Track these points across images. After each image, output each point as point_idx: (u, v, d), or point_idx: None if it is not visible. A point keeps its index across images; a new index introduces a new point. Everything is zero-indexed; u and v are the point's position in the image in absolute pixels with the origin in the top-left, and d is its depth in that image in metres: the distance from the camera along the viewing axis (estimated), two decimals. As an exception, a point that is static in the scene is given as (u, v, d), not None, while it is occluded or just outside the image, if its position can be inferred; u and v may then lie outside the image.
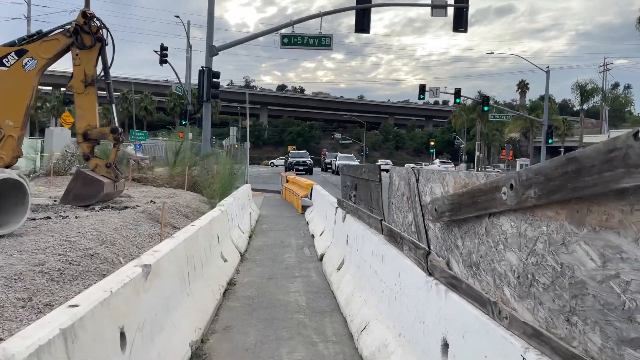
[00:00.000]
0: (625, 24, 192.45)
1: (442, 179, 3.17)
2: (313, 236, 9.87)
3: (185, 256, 4.91)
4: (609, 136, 67.40)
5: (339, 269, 6.37)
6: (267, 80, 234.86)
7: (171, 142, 19.47)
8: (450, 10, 20.86)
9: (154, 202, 11.07)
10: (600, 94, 58.73)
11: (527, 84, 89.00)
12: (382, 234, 4.75)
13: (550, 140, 43.10)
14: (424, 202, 3.52)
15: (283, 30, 20.99)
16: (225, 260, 6.86)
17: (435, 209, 3.09)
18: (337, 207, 7.91)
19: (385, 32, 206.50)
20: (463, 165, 73.74)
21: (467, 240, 2.72)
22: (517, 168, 64.34)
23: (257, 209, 14.01)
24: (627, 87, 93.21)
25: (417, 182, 3.69)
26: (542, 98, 55.21)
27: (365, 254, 5.10)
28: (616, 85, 77.29)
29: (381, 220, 4.78)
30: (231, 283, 6.39)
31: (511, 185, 2.12)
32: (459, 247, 2.85)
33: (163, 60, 30.49)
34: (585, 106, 60.96)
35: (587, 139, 63.93)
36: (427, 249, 3.29)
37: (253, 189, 18.11)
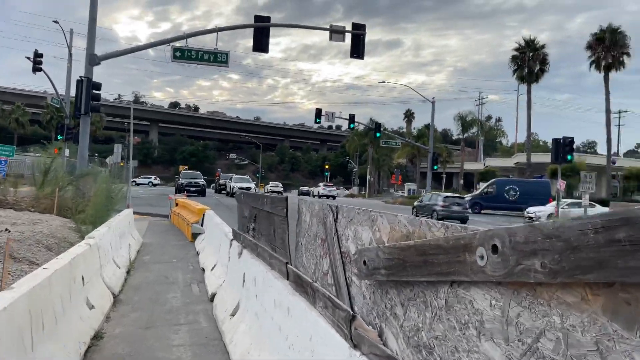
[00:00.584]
0: (496, 62, 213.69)
1: (371, 221, 2.47)
2: (203, 270, 8.77)
3: (29, 313, 3.73)
4: (484, 164, 73.47)
5: (233, 314, 5.44)
6: (159, 96, 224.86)
7: (42, 158, 17.05)
8: (348, 38, 21.09)
9: (9, 231, 9.20)
10: (478, 125, 64.04)
11: (413, 113, 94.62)
12: (287, 279, 3.95)
13: (435, 167, 45.67)
14: (344, 248, 2.79)
15: (176, 44, 19.66)
16: (92, 307, 5.60)
17: (365, 262, 2.37)
18: (232, 240, 6.97)
19: (282, 56, 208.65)
20: (355, 189, 75.84)
21: (413, 311, 2.02)
22: (405, 192, 67.39)
23: (139, 237, 12.48)
24: (498, 120, 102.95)
25: (335, 221, 2.97)
26: (426, 127, 58.57)
27: (267, 302, 4.26)
28: (489, 117, 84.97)
29: (287, 263, 4.00)
30: (97, 336, 5.16)
31: (494, 246, 1.46)
32: (399, 317, 2.15)
33: (37, 67, 27.50)
34: (464, 135, 66.07)
35: (465, 166, 69.08)
36: (350, 312, 2.55)
37: (137, 213, 16.36)
